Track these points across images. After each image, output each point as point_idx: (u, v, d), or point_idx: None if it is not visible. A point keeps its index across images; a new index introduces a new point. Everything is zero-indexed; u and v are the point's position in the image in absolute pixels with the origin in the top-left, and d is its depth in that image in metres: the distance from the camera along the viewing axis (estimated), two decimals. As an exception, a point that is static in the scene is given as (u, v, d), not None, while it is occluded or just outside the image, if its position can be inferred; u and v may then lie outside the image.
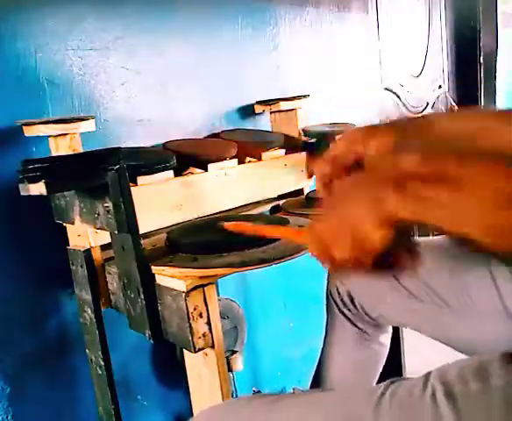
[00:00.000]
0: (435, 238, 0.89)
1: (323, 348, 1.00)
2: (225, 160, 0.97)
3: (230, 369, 1.09)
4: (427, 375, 0.47)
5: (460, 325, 0.77)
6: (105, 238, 0.79)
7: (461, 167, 0.34)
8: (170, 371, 1.13)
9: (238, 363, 1.09)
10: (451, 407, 0.42)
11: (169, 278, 0.68)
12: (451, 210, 0.33)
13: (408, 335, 1.13)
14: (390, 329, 0.97)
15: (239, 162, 1.00)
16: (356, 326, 0.92)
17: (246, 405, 0.56)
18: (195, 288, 0.66)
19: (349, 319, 0.92)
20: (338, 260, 0.43)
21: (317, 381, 1.01)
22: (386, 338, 0.96)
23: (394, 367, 1.02)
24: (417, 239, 0.88)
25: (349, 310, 0.91)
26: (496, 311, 0.72)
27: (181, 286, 0.66)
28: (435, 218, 0.34)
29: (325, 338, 0.99)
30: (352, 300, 0.90)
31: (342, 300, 0.91)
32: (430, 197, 0.34)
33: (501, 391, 0.42)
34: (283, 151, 1.12)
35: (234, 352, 1.10)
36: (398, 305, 0.84)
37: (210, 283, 0.68)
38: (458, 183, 0.33)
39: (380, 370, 0.98)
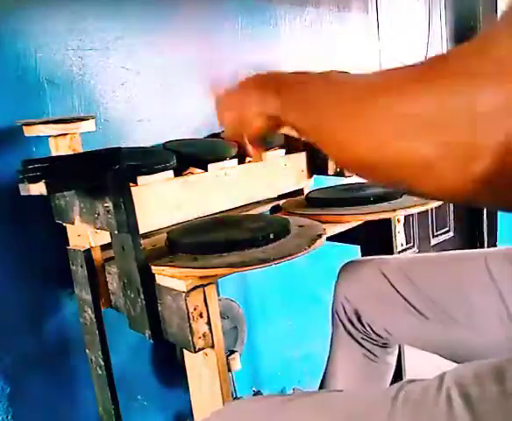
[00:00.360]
0: (430, 254, 0.90)
1: (327, 366, 0.98)
2: (225, 160, 0.97)
3: (228, 369, 1.09)
4: (442, 376, 0.46)
5: (467, 342, 0.76)
6: (105, 238, 0.79)
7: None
8: (170, 371, 1.13)
9: (237, 363, 1.09)
10: (466, 409, 0.42)
11: (169, 278, 0.68)
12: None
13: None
14: (396, 350, 0.96)
15: (239, 162, 1.01)
16: (363, 346, 0.91)
17: (257, 406, 0.56)
18: (195, 288, 0.66)
19: (355, 339, 0.91)
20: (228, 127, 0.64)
21: None
22: (392, 359, 0.95)
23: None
24: (412, 254, 0.89)
25: (356, 329, 0.90)
26: (501, 322, 0.72)
27: (181, 286, 0.66)
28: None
29: (330, 356, 0.97)
30: (359, 318, 0.89)
31: (349, 319, 0.90)
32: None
33: None
34: (283, 151, 1.12)
35: (233, 352, 1.10)
36: (406, 323, 0.83)
37: (210, 283, 0.68)
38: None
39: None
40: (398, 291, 0.83)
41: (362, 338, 0.90)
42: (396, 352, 0.96)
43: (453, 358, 0.80)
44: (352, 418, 0.48)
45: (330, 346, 0.97)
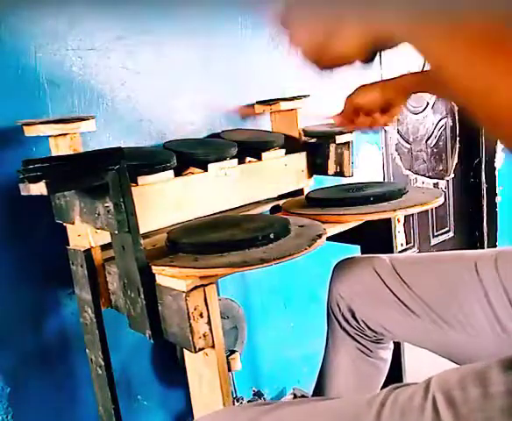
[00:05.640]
0: (425, 253, 0.91)
1: (323, 363, 0.99)
2: (225, 160, 0.97)
3: (229, 369, 1.09)
4: (428, 382, 0.47)
5: (458, 342, 0.78)
6: (105, 238, 0.79)
7: None
8: (170, 371, 1.13)
9: (237, 363, 1.09)
10: (451, 413, 0.42)
11: (169, 278, 0.68)
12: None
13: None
14: (391, 345, 0.97)
15: (239, 162, 1.01)
16: (357, 342, 0.91)
17: (241, 414, 0.56)
18: (195, 288, 0.66)
19: (350, 335, 0.92)
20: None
21: (318, 395, 1.00)
22: (387, 354, 0.96)
23: (394, 363, 1.01)
24: (407, 254, 0.90)
25: (350, 325, 0.90)
26: (490, 325, 0.73)
27: (181, 286, 0.66)
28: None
29: (325, 352, 0.98)
30: (353, 315, 0.89)
31: (343, 315, 0.91)
32: None
33: (501, 397, 0.42)
34: (283, 151, 1.12)
35: (233, 352, 1.10)
36: (399, 321, 0.84)
37: (211, 283, 0.68)
38: None
39: (382, 384, 0.97)
40: (391, 290, 0.84)
41: (356, 334, 0.91)
42: (391, 347, 0.97)
43: (448, 356, 0.81)
44: None
45: (326, 342, 0.98)
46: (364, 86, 0.91)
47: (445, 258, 0.85)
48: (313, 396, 1.04)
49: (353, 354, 0.93)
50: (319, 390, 0.99)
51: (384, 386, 0.90)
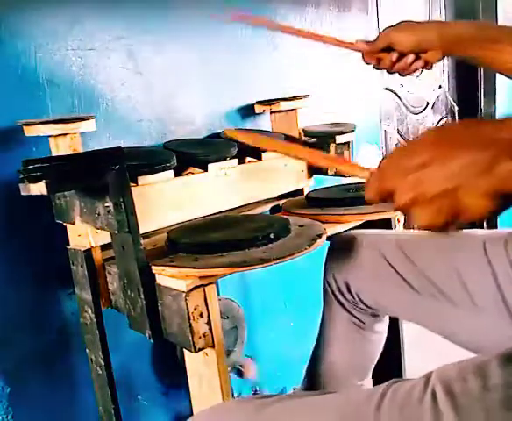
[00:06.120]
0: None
1: (318, 336, 1.00)
2: (225, 160, 0.97)
3: (241, 376, 1.10)
4: (428, 375, 0.47)
5: (459, 319, 0.77)
6: (105, 238, 0.79)
7: None
8: (170, 371, 1.13)
9: (252, 370, 1.09)
10: (450, 405, 0.43)
11: (169, 278, 0.68)
12: None
13: (408, 329, 1.12)
14: (387, 318, 0.97)
15: (239, 162, 1.01)
16: (352, 315, 0.92)
17: (239, 408, 0.56)
18: (195, 288, 0.66)
19: (345, 308, 0.92)
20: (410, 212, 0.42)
21: (311, 372, 1.00)
22: (382, 327, 0.96)
23: (393, 362, 1.01)
24: (411, 232, 0.89)
25: (345, 298, 0.91)
26: (495, 305, 0.72)
27: (181, 286, 0.66)
28: None
29: (321, 325, 0.99)
30: (348, 288, 0.89)
31: (339, 288, 0.91)
32: None
33: (500, 390, 0.42)
34: (283, 151, 1.12)
35: (245, 356, 1.09)
36: (397, 296, 0.84)
37: (211, 283, 0.68)
38: None
39: (378, 356, 0.98)
40: (390, 264, 0.83)
41: (351, 306, 0.91)
42: (387, 320, 0.97)
43: (443, 333, 0.81)
44: (338, 419, 0.49)
45: (322, 315, 0.98)
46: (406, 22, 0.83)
47: (452, 235, 0.82)
48: (308, 369, 1.03)
49: (348, 327, 0.93)
50: (314, 363, 0.99)
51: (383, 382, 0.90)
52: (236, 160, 0.99)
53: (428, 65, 0.84)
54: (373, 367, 0.98)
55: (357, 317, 0.92)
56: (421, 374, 0.48)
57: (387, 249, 0.85)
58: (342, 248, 0.91)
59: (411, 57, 0.82)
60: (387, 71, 0.86)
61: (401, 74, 0.86)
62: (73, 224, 0.75)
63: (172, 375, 1.13)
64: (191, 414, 0.83)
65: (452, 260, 0.77)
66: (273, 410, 0.53)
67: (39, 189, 0.60)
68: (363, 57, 0.87)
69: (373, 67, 0.87)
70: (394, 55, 0.82)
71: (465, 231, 0.82)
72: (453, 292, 0.76)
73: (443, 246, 0.81)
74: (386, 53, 0.83)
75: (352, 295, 0.90)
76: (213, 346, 0.69)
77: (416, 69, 0.84)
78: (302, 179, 1.16)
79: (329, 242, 0.95)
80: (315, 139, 1.17)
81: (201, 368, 0.74)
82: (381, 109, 1.78)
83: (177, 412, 1.17)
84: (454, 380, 0.44)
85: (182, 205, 0.90)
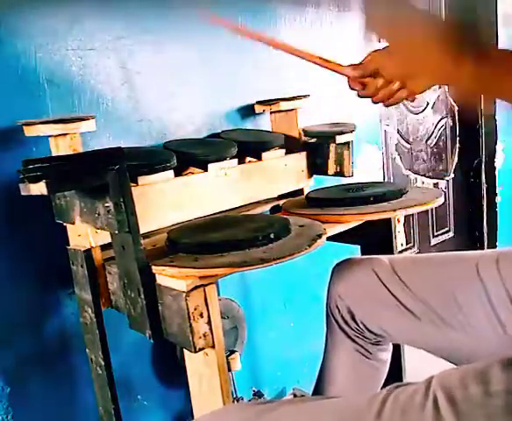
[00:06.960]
0: (423, 254, 0.90)
1: (322, 364, 0.99)
2: (225, 160, 0.97)
3: (228, 369, 1.09)
4: (429, 380, 0.47)
5: (459, 342, 0.78)
6: (105, 238, 0.79)
7: None
8: (170, 371, 1.13)
9: (237, 363, 1.09)
10: (452, 411, 0.42)
11: (169, 278, 0.68)
12: None
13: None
14: (390, 346, 0.97)
15: (239, 162, 1.01)
16: (356, 343, 0.91)
17: (240, 413, 0.56)
18: (195, 288, 0.66)
19: (349, 337, 0.91)
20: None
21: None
22: (386, 356, 0.96)
23: (393, 362, 1.01)
24: (407, 255, 0.89)
25: (349, 327, 0.90)
26: (489, 323, 0.73)
27: (181, 286, 0.66)
28: None
29: (325, 354, 0.98)
30: (352, 316, 0.89)
31: (342, 317, 0.90)
32: None
33: (502, 396, 0.42)
34: (283, 151, 1.12)
35: (233, 352, 1.10)
36: (399, 323, 0.84)
37: (211, 283, 0.68)
38: None
39: (381, 385, 0.97)
40: (390, 291, 0.84)
41: (356, 335, 0.91)
42: (390, 348, 0.97)
43: (447, 357, 0.81)
44: None
45: (325, 343, 0.98)
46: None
47: (446, 258, 0.84)
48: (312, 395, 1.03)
49: (352, 356, 0.92)
50: (319, 392, 0.99)
51: (384, 386, 0.90)
52: (236, 160, 0.99)
53: (411, 96, 0.74)
54: None
55: (361, 346, 0.91)
56: (421, 376, 0.48)
57: (383, 275, 0.86)
58: (344, 275, 0.91)
59: (397, 84, 0.72)
60: (372, 101, 0.77)
61: (384, 105, 0.77)
62: (73, 224, 0.75)
63: (172, 375, 1.13)
64: (191, 414, 0.83)
65: (447, 284, 0.79)
66: (275, 415, 0.53)
67: (39, 189, 0.60)
68: (348, 83, 0.80)
69: (357, 95, 0.79)
70: (380, 81, 0.74)
71: (457, 253, 0.84)
72: (451, 317, 0.77)
73: (438, 271, 0.82)
74: (371, 79, 0.75)
75: (356, 323, 0.89)
76: (213, 346, 0.69)
77: (399, 99, 0.74)
78: (302, 179, 1.16)
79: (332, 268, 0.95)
80: (315, 139, 1.17)
81: (201, 368, 0.74)
82: (381, 109, 1.78)
83: (177, 412, 1.17)
84: (456, 386, 0.44)
85: (182, 205, 0.90)
